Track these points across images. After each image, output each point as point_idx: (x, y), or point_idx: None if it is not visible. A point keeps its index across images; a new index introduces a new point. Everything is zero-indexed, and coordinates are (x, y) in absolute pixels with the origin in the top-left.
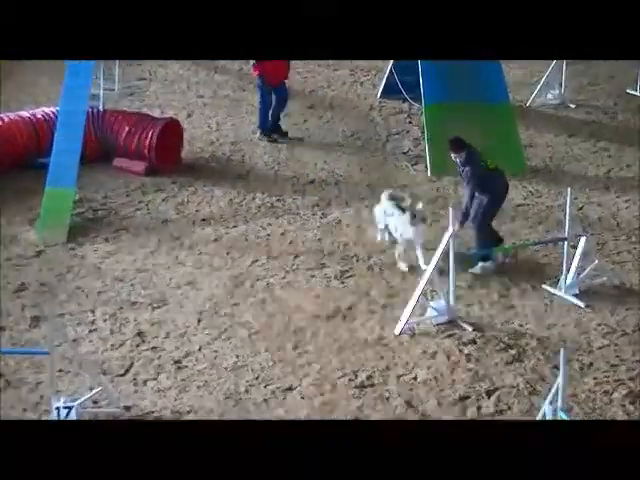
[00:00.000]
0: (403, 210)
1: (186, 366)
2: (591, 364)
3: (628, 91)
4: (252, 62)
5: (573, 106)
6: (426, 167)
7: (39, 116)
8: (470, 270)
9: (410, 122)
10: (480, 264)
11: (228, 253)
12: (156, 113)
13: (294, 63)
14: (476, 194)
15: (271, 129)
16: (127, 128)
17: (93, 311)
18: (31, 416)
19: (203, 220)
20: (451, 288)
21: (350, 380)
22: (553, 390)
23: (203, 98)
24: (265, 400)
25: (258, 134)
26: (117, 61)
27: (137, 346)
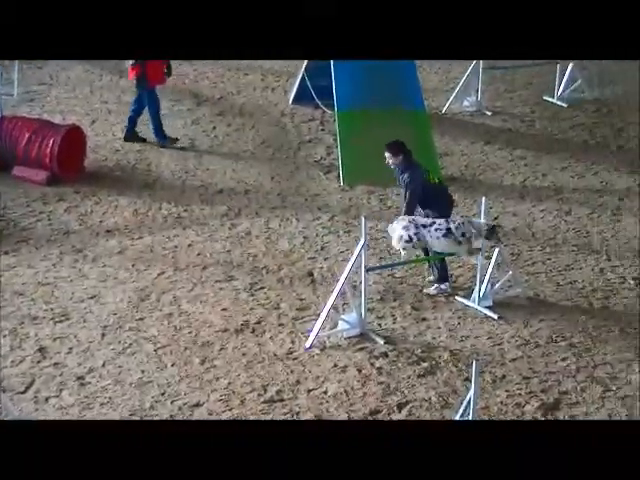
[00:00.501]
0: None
1: (89, 382)
2: (504, 376)
3: (545, 98)
4: (130, 63)
5: (489, 113)
6: (339, 176)
7: None
8: (425, 290)
9: (323, 129)
10: (435, 285)
11: (133, 265)
12: (58, 119)
13: (202, 67)
14: (419, 209)
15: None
16: (27, 135)
17: None
18: None
19: (107, 231)
20: (363, 300)
21: (259, 395)
22: (464, 403)
23: (107, 104)
24: (171, 416)
25: (123, 139)
26: (16, 64)
27: (38, 362)
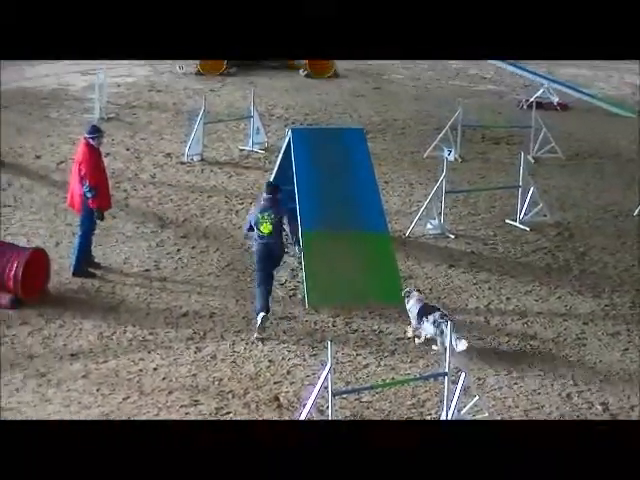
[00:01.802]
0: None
1: None
2: None
3: (507, 221)
4: (90, 194)
5: (453, 236)
6: (303, 299)
7: None
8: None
9: (287, 252)
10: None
11: (98, 390)
12: (22, 242)
13: (167, 189)
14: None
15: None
16: None
17: None
18: None
19: (72, 355)
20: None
21: None
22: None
23: (71, 226)
24: None
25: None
26: None
27: None
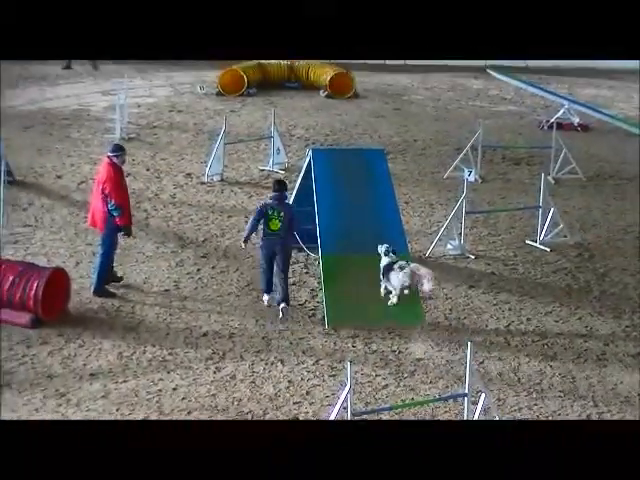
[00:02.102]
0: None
1: None
2: None
3: (528, 242)
4: (116, 212)
5: (473, 257)
6: (323, 319)
7: None
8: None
9: (307, 272)
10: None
11: (118, 409)
12: (42, 262)
13: (187, 209)
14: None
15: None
16: (11, 278)
17: None
18: None
19: (91, 374)
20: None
21: None
22: None
23: (92, 246)
24: None
25: (92, 295)
26: (1, 205)
27: None
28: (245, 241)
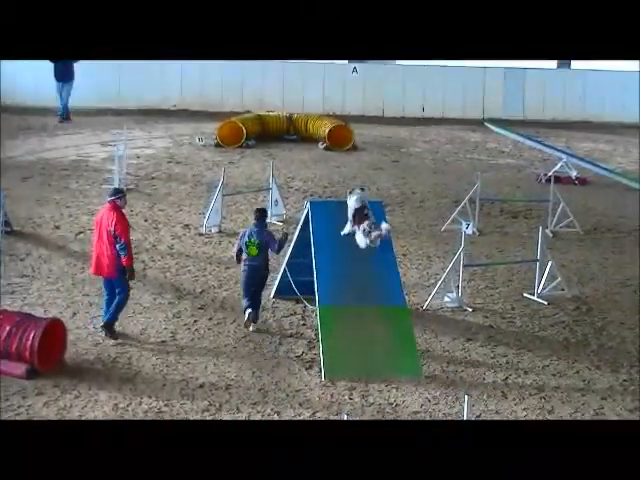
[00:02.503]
0: None
1: None
2: None
3: (525, 295)
4: (123, 252)
5: (470, 310)
6: (320, 371)
7: None
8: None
9: (304, 324)
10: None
11: None
12: (39, 312)
13: (184, 261)
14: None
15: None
16: (7, 328)
17: None
18: None
19: None
20: None
21: None
22: None
23: (89, 296)
24: None
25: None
26: None
27: None
28: (237, 260)
